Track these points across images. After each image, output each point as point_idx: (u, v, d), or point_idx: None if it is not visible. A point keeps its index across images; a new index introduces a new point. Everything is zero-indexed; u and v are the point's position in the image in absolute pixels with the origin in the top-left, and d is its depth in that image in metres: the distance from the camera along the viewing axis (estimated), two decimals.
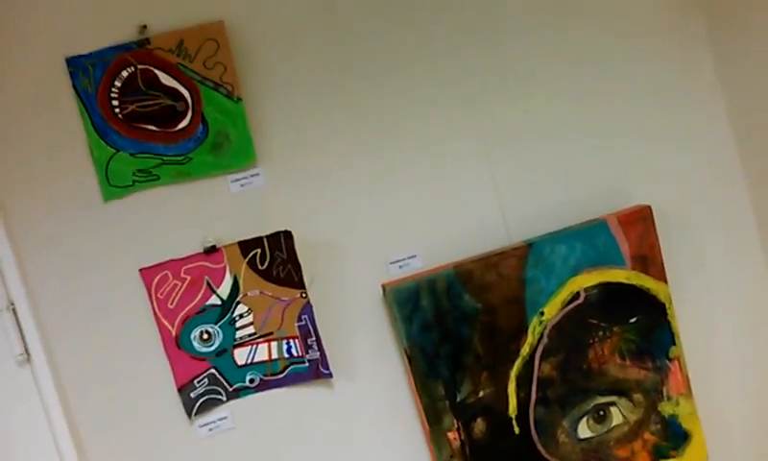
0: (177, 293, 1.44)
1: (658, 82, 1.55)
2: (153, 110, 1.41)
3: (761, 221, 1.58)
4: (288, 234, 1.43)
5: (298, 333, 1.46)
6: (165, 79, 1.41)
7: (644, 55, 1.54)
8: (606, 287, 1.48)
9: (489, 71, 1.50)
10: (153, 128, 1.41)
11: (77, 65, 1.38)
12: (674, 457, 1.54)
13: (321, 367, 1.47)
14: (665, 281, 1.49)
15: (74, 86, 1.38)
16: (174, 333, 1.44)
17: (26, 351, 1.41)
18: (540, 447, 1.48)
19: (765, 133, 1.50)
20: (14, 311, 1.41)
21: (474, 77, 1.50)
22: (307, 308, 1.45)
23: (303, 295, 1.45)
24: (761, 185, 1.55)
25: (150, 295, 1.43)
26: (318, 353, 1.46)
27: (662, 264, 1.49)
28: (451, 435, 1.46)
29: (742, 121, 1.55)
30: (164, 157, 1.42)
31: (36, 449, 1.43)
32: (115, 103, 1.40)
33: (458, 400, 1.46)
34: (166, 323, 1.44)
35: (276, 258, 1.44)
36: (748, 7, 1.46)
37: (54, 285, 1.41)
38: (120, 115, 1.40)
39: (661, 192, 1.55)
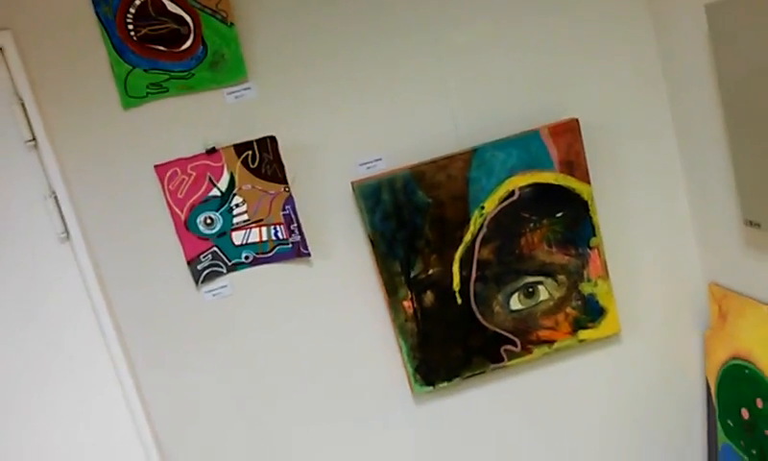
0: (185, 186, 1.73)
1: (590, 13, 1.77)
2: (161, 34, 1.67)
3: (679, 129, 1.83)
4: (273, 139, 1.72)
5: (283, 220, 1.77)
6: (171, 6, 1.66)
7: None
8: (537, 187, 1.75)
9: (446, 2, 1.73)
10: (162, 48, 1.68)
11: None
12: (591, 328, 1.85)
13: (301, 248, 1.79)
14: (588, 183, 1.77)
15: (96, 13, 1.64)
16: (183, 218, 1.74)
17: (66, 230, 1.70)
18: (478, 315, 1.81)
19: (686, 52, 1.71)
20: (56, 198, 1.68)
21: (433, 8, 1.73)
22: (290, 200, 1.76)
23: (287, 189, 1.76)
24: (680, 98, 1.80)
25: (163, 186, 1.72)
26: (299, 237, 1.78)
27: (586, 168, 1.76)
28: (406, 303, 1.79)
29: (667, 43, 1.78)
30: (171, 73, 1.69)
31: (75, 307, 1.73)
32: (130, 27, 1.66)
33: (412, 275, 1.77)
34: (177, 209, 1.74)
35: (264, 159, 1.74)
36: None
37: (87, 177, 1.69)
38: (135, 37, 1.66)
39: (590, 106, 1.80)
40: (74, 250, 1.72)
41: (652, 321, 1.92)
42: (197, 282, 1.77)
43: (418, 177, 1.72)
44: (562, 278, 1.81)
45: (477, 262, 1.77)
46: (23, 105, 1.65)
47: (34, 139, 1.66)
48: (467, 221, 1.75)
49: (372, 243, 1.75)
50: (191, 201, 1.74)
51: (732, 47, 1.48)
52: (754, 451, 1.75)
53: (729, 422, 1.83)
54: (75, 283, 1.74)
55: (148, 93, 1.70)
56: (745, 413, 1.76)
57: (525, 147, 1.73)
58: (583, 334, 1.85)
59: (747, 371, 1.72)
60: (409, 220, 1.74)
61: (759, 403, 1.69)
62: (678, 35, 1.71)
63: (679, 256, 1.90)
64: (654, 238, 1.88)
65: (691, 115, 1.76)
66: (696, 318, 1.93)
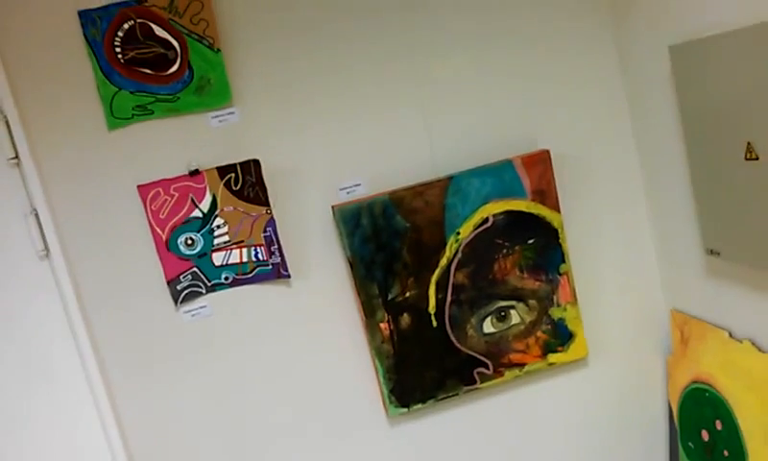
0: (167, 206, 1.75)
1: (562, 50, 1.87)
2: (148, 57, 1.71)
3: (644, 162, 1.92)
4: (257, 162, 1.77)
5: (263, 242, 1.81)
6: (159, 31, 1.70)
7: (552, 26, 1.86)
8: (510, 214, 1.82)
9: (425, 36, 1.81)
10: (148, 71, 1.71)
11: (87, 18, 1.66)
12: (560, 351, 1.92)
13: (281, 269, 1.82)
14: (559, 211, 1.85)
15: (84, 35, 1.67)
16: (164, 238, 1.76)
17: (46, 247, 1.69)
18: (452, 338, 1.86)
19: (651, 89, 1.81)
20: (37, 216, 1.68)
21: (413, 41, 1.80)
22: (271, 222, 1.80)
23: (268, 211, 1.79)
24: (645, 132, 1.90)
25: (145, 207, 1.74)
26: (279, 258, 1.82)
27: (557, 197, 1.84)
28: (383, 326, 1.83)
29: (632, 80, 1.88)
30: (157, 96, 1.72)
31: (53, 325, 1.73)
32: (118, 50, 1.69)
33: (389, 298, 1.82)
34: (158, 230, 1.75)
35: (246, 181, 1.77)
36: None
37: (69, 196, 1.70)
38: (122, 60, 1.70)
39: (560, 138, 1.88)
40: (53, 268, 1.72)
41: (617, 346, 2.00)
42: (176, 302, 1.79)
43: (396, 202, 1.78)
44: (533, 302, 1.88)
45: (452, 286, 1.83)
46: (7, 122, 1.66)
47: (16, 157, 1.67)
48: (443, 246, 1.81)
49: (351, 266, 1.79)
50: (173, 221, 1.76)
51: (694, 85, 1.58)
52: None
53: (690, 444, 1.91)
54: (54, 301, 1.73)
55: (133, 115, 1.72)
56: (705, 435, 1.84)
57: (499, 176, 1.80)
58: (552, 358, 1.91)
59: (707, 394, 1.80)
60: (387, 244, 1.79)
61: (719, 425, 1.77)
62: (643, 73, 1.82)
63: (643, 283, 1.98)
64: (619, 265, 1.97)
65: (655, 148, 1.86)
66: (659, 343, 2.02)
